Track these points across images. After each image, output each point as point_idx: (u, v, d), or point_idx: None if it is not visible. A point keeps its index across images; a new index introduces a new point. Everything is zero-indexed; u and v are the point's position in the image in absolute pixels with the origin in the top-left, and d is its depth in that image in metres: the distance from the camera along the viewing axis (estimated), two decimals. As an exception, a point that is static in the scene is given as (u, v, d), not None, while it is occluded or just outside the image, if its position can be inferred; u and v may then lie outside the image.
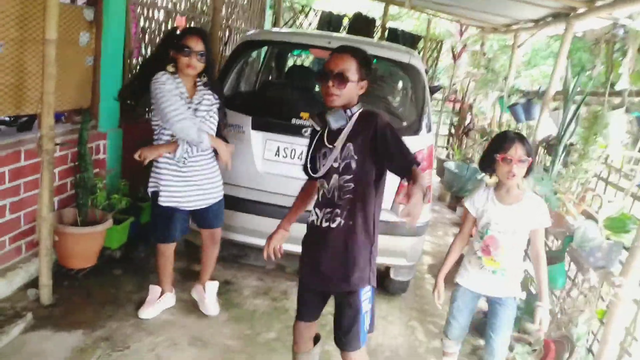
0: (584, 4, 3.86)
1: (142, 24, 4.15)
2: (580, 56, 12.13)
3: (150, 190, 2.80)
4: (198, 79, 2.76)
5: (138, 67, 3.85)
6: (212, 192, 2.87)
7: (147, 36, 4.25)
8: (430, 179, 3.30)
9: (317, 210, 2.06)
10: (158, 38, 4.41)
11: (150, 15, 4.24)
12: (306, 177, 2.20)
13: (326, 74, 1.93)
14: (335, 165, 1.98)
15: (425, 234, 3.49)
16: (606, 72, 11.89)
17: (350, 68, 1.92)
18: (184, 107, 2.62)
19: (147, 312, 2.95)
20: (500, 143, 2.27)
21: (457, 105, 8.28)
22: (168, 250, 2.95)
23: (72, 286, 3.16)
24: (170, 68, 2.65)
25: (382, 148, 1.87)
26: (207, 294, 3.10)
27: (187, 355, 2.71)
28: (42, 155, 2.79)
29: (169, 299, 3.07)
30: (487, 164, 2.34)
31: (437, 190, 6.93)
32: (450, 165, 6.82)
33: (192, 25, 4.88)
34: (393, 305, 3.59)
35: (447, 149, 8.30)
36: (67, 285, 3.15)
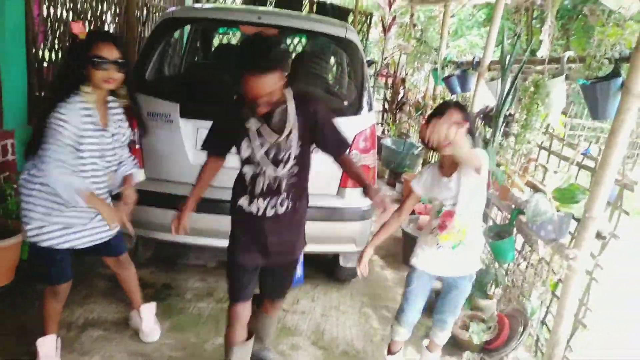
0: (514, -29, 3.80)
1: (46, 3, 3.68)
2: (502, 24, 12.48)
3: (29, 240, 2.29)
4: (110, 97, 2.29)
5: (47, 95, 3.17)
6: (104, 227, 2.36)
7: (52, 18, 3.79)
8: (374, 159, 3.16)
9: (258, 201, 2.06)
10: (67, 20, 3.95)
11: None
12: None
13: (253, 99, 1.85)
14: (280, 156, 2.00)
15: (372, 216, 3.37)
16: (527, 39, 12.30)
17: (276, 83, 1.85)
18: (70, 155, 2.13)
19: None
20: (436, 111, 2.22)
21: (390, 80, 8.22)
22: (67, 289, 2.41)
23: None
24: (86, 89, 2.15)
25: (322, 135, 2.05)
26: (144, 319, 2.69)
27: (126, 374, 2.45)
28: None
29: (59, 343, 2.50)
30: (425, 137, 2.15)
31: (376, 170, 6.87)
32: (387, 141, 6.78)
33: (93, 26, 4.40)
34: (344, 293, 3.46)
35: (382, 125, 8.26)
36: (-20, 308, 2.77)
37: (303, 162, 2.06)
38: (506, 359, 2.81)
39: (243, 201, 2.10)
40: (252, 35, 1.97)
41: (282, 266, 2.27)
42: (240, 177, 2.12)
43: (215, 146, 2.17)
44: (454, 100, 2.28)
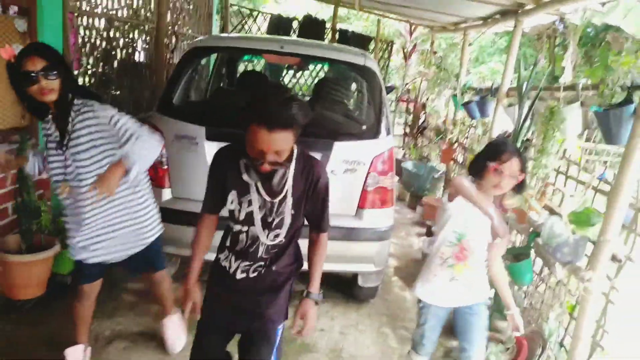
0: (531, 1, 3.91)
1: (81, 33, 3.91)
2: (524, 51, 12.54)
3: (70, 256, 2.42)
4: (77, 104, 2.18)
5: None
6: (134, 240, 2.40)
7: (87, 46, 4.01)
8: (392, 181, 3.24)
9: (231, 259, 1.85)
10: (100, 47, 4.18)
11: (90, 24, 4.00)
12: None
13: (260, 155, 1.59)
14: (270, 219, 1.77)
15: (391, 237, 3.43)
16: (549, 66, 12.30)
17: (289, 142, 1.60)
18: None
19: None
20: (497, 152, 2.09)
21: (411, 105, 8.34)
22: (93, 290, 2.48)
23: (19, 319, 2.92)
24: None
25: (313, 205, 1.81)
26: (168, 330, 2.79)
27: (150, 386, 2.54)
28: (-23, 181, 2.55)
29: (89, 353, 2.58)
30: (478, 169, 2.14)
31: (396, 191, 6.94)
32: (408, 165, 6.85)
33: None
34: (362, 312, 3.51)
35: (402, 148, 8.34)
36: (14, 318, 2.91)
37: (293, 231, 1.83)
38: (524, 382, 2.82)
39: (221, 255, 1.91)
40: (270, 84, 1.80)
41: (254, 332, 1.91)
42: (225, 228, 1.92)
43: (209, 203, 1.89)
44: (510, 146, 2.15)
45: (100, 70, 4.23)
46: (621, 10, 6.16)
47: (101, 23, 4.15)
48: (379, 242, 3.22)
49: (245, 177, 1.71)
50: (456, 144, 6.11)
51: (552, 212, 2.95)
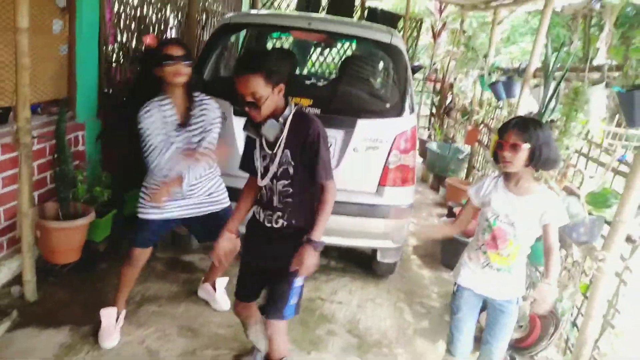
0: (562, -20, 3.85)
1: (116, 8, 4.04)
2: (558, 32, 12.21)
3: (142, 217, 2.62)
4: (196, 96, 2.58)
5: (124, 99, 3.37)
6: (211, 201, 2.73)
7: (122, 21, 4.14)
8: (414, 160, 3.31)
9: (260, 210, 2.14)
10: (134, 23, 4.30)
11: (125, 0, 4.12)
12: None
13: (241, 98, 1.92)
14: (276, 170, 2.03)
15: (410, 215, 3.50)
16: (584, 47, 11.98)
17: (258, 86, 1.87)
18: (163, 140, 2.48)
19: (110, 341, 2.63)
20: (501, 131, 2.09)
21: (438, 85, 8.28)
22: (143, 256, 2.71)
23: (57, 282, 3.12)
24: (172, 89, 2.50)
25: (308, 156, 1.99)
26: (218, 290, 3.09)
27: (177, 345, 2.71)
28: (20, 149, 2.72)
29: (122, 318, 2.76)
30: (493, 152, 2.13)
31: (419, 171, 6.95)
32: (433, 145, 6.85)
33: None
34: (381, 287, 3.61)
35: (428, 129, 8.33)
36: (51, 281, 3.11)
37: (299, 184, 2.03)
38: (536, 357, 2.89)
39: (255, 208, 2.20)
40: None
41: (279, 275, 2.11)
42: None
43: (248, 164, 2.16)
44: (523, 117, 2.19)
45: (133, 46, 4.37)
46: (662, -11, 5.96)
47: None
48: (398, 219, 3.30)
49: (246, 132, 2.05)
50: (482, 125, 6.09)
51: (571, 193, 2.97)
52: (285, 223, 2.07)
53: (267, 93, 1.89)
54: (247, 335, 2.45)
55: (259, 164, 2.08)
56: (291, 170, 2.01)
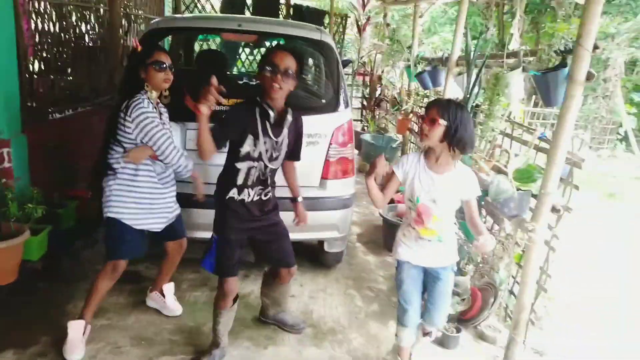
0: (475, -28, 4.08)
1: (33, 18, 3.86)
2: (474, 20, 12.83)
3: (107, 216, 2.63)
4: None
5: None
6: (175, 206, 2.85)
7: (40, 31, 3.96)
8: (352, 152, 3.41)
9: (247, 190, 2.45)
10: (53, 32, 4.13)
11: (42, 9, 3.95)
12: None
13: (274, 68, 2.24)
14: (274, 155, 2.45)
15: (353, 205, 3.61)
16: (499, 33, 12.67)
17: (294, 66, 2.28)
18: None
19: (77, 354, 2.58)
20: (426, 106, 2.35)
21: (367, 78, 8.50)
22: (122, 269, 2.69)
23: (-5, 306, 2.97)
24: (149, 88, 2.62)
25: (295, 145, 2.58)
26: (167, 296, 3.07)
27: (132, 356, 2.65)
28: (-58, 171, 2.56)
29: (88, 331, 2.71)
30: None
31: (356, 163, 7.13)
32: (367, 137, 7.05)
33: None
34: (330, 277, 3.71)
35: (361, 121, 8.54)
36: (-11, 306, 2.95)
37: (282, 162, 2.56)
38: (479, 327, 3.08)
39: (233, 192, 2.44)
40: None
41: (276, 236, 2.63)
42: (231, 171, 2.42)
43: (219, 136, 2.27)
44: (445, 99, 2.55)
45: (54, 55, 4.19)
46: (563, -23, 6.43)
47: (52, 8, 4.09)
48: (342, 210, 3.40)
49: (259, 121, 2.34)
50: (411, 114, 6.33)
51: (499, 171, 3.18)
52: (270, 195, 2.54)
53: (293, 77, 2.30)
54: (218, 324, 2.60)
55: (250, 149, 2.36)
56: (283, 155, 2.49)
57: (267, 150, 2.40)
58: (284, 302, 3.00)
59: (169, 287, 3.10)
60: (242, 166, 2.40)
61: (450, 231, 2.41)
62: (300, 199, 2.72)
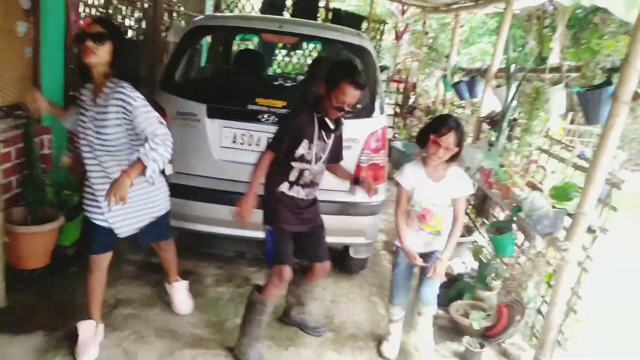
0: (521, -17, 4.03)
1: (81, 9, 3.97)
2: (514, 33, 12.61)
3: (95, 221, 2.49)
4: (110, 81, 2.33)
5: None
6: (152, 209, 2.62)
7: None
8: (385, 159, 3.39)
9: (299, 189, 2.59)
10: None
11: (90, 1, 4.06)
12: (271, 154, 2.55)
13: (343, 104, 2.40)
14: (323, 156, 2.60)
15: (381, 212, 3.59)
16: (538, 47, 12.42)
17: (359, 99, 2.49)
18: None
19: (87, 355, 2.51)
20: (438, 125, 2.51)
21: (401, 85, 8.45)
22: (104, 262, 2.55)
23: (27, 287, 3.05)
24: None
25: (338, 148, 2.73)
26: (175, 294, 3.03)
27: (155, 347, 2.69)
28: (-14, 153, 2.65)
29: (101, 330, 2.65)
30: (422, 139, 2.60)
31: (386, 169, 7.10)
32: (397, 144, 7.00)
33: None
34: (353, 283, 3.69)
35: (392, 128, 8.48)
36: (21, 287, 3.04)
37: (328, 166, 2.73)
38: (504, 345, 3.02)
39: (284, 187, 2.57)
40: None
41: (315, 231, 2.74)
42: (285, 168, 2.55)
43: (280, 147, 2.52)
44: (456, 119, 2.58)
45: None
46: (609, -8, 6.27)
47: (100, 0, 4.21)
48: (370, 216, 3.38)
49: (316, 128, 2.49)
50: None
51: (534, 188, 3.12)
52: (314, 195, 2.70)
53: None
54: (264, 314, 2.63)
55: (304, 151, 2.50)
56: (329, 157, 2.64)
57: (317, 153, 2.54)
58: (307, 302, 3.04)
59: (179, 286, 3.04)
60: (296, 165, 2.53)
61: (447, 225, 2.67)
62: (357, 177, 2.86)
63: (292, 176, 2.55)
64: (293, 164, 2.53)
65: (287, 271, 2.59)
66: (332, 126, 2.53)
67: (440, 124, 2.50)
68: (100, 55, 2.28)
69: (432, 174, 2.62)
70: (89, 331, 2.59)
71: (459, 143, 2.50)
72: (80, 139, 2.43)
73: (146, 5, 5.04)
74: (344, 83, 2.35)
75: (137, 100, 2.29)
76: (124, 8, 4.63)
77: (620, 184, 2.57)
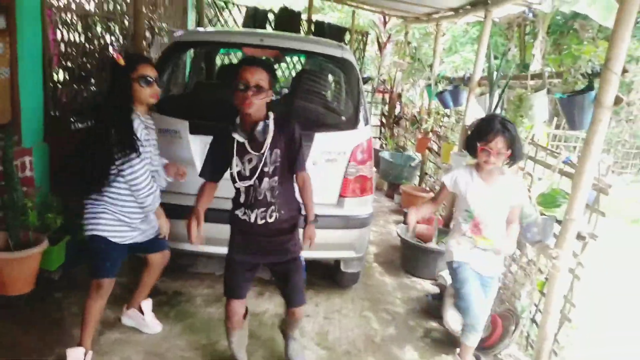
0: (500, -8, 4.06)
1: (60, 29, 3.92)
2: (495, 40, 12.76)
3: (92, 234, 2.55)
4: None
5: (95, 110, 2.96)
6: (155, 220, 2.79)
7: (65, 42, 4.02)
8: (371, 170, 3.37)
9: (248, 212, 2.37)
10: (78, 43, 4.19)
11: (68, 20, 4.01)
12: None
13: (244, 84, 2.20)
14: (266, 169, 2.32)
15: (371, 224, 3.56)
16: (520, 54, 12.55)
17: (264, 79, 2.23)
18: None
19: None
20: (483, 133, 2.39)
21: (386, 96, 8.48)
22: (111, 286, 2.60)
23: (12, 314, 2.97)
24: (139, 107, 2.55)
25: (293, 151, 2.36)
26: (146, 313, 2.96)
27: (143, 372, 2.63)
28: (-36, 178, 2.58)
29: (90, 358, 2.58)
30: (471, 149, 2.49)
31: (374, 180, 7.09)
32: (385, 154, 7.00)
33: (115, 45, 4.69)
34: (345, 298, 3.64)
35: (379, 139, 8.49)
36: (6, 314, 2.95)
37: (285, 178, 2.39)
38: (500, 356, 2.99)
39: (238, 211, 2.42)
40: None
41: (287, 269, 2.48)
42: (235, 191, 2.41)
43: (211, 172, 2.42)
44: (501, 120, 2.42)
45: (79, 65, 4.25)
46: (587, -2, 6.38)
47: (78, 18, 4.16)
48: (359, 229, 3.34)
49: (235, 136, 2.27)
50: (431, 133, 6.28)
51: (522, 195, 3.11)
52: (277, 215, 2.37)
53: (266, 89, 2.23)
54: (231, 343, 2.56)
55: (240, 168, 2.31)
56: (279, 167, 2.33)
57: (256, 166, 2.30)
58: (291, 332, 2.76)
59: (147, 304, 2.98)
60: (239, 185, 2.36)
61: (500, 238, 2.50)
62: (311, 220, 2.47)
63: (242, 198, 2.37)
64: (235, 185, 2.37)
65: (231, 305, 2.47)
66: (235, 135, 2.30)
67: (485, 130, 2.38)
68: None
69: (486, 177, 2.49)
70: (77, 357, 2.52)
71: (511, 144, 2.36)
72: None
73: (127, 23, 4.99)
74: (239, 69, 2.25)
75: None
76: (102, 25, 4.58)
77: (607, 189, 2.57)
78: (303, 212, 2.49)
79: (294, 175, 2.44)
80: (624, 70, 2.39)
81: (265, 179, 2.31)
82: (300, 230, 2.50)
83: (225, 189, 3.15)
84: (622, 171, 10.72)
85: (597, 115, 2.39)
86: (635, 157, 10.91)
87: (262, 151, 2.29)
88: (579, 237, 2.58)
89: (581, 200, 2.49)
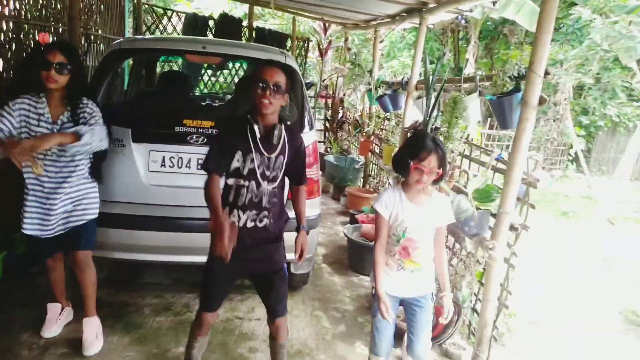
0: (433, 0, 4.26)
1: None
2: (431, 46, 13.25)
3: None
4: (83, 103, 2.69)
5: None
6: (76, 215, 2.75)
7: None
8: (318, 173, 3.45)
9: (239, 213, 2.25)
10: (9, 51, 4.04)
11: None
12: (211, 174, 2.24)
13: (264, 83, 2.15)
14: (268, 173, 2.26)
15: (318, 226, 3.63)
16: (454, 58, 13.02)
17: (283, 81, 2.20)
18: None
19: (50, 331, 2.92)
20: (416, 150, 2.22)
21: (329, 101, 8.63)
22: (54, 263, 2.91)
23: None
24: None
25: (296, 164, 2.35)
26: (84, 331, 2.84)
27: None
28: None
29: (68, 313, 3.07)
30: (401, 168, 2.29)
31: (320, 183, 7.19)
32: (330, 158, 7.14)
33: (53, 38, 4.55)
34: (296, 299, 3.70)
35: (324, 143, 8.62)
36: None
37: (282, 187, 2.34)
38: (444, 345, 3.14)
39: (232, 210, 2.24)
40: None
41: (266, 276, 2.38)
42: (224, 188, 2.26)
43: (218, 164, 2.23)
44: (432, 138, 2.26)
45: (9, 74, 4.09)
46: (514, 5, 6.78)
47: (10, 26, 4.01)
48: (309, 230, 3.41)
49: (257, 129, 2.18)
50: (373, 136, 6.45)
51: (459, 191, 3.28)
52: (268, 222, 2.29)
53: (283, 91, 2.20)
54: (193, 348, 2.47)
55: (239, 165, 2.21)
56: (280, 175, 2.29)
57: (258, 167, 2.21)
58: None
59: (88, 321, 2.87)
60: (232, 182, 2.24)
61: (430, 262, 2.38)
62: (303, 227, 2.43)
63: (231, 196, 2.24)
64: (228, 181, 2.24)
65: (207, 318, 2.39)
66: (255, 127, 2.18)
67: (418, 148, 2.21)
68: (61, 83, 2.59)
69: (414, 198, 2.32)
70: (55, 311, 2.99)
71: (442, 163, 2.21)
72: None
73: (61, 30, 4.85)
74: (260, 69, 2.21)
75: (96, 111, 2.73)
76: (35, 32, 4.42)
77: (535, 183, 2.76)
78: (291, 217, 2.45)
79: (290, 186, 2.44)
80: (546, 73, 2.59)
81: (265, 183, 2.24)
82: (286, 238, 2.43)
83: (171, 197, 3.16)
84: (551, 167, 11.38)
85: (524, 114, 2.57)
86: (564, 153, 11.61)
87: (272, 154, 2.23)
88: (512, 228, 2.76)
89: (513, 194, 2.67)
